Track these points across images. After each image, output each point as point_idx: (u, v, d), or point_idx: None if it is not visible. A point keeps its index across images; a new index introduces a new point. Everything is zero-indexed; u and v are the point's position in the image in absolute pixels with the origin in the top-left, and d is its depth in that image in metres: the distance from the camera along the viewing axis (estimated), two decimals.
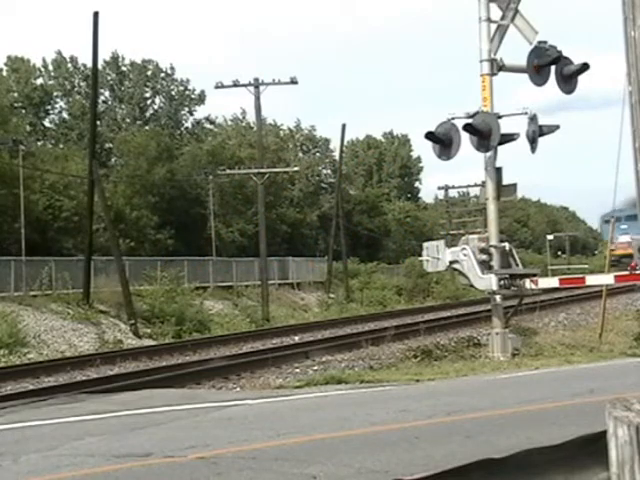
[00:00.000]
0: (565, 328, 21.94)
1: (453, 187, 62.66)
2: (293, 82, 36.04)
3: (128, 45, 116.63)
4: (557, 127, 16.67)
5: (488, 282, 15.89)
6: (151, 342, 26.18)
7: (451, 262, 16.62)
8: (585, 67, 16.05)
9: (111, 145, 53.76)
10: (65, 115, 58.52)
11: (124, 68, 60.49)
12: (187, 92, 61.21)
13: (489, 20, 16.26)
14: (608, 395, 4.48)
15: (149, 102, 60.99)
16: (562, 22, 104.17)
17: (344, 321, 31.65)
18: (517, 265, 16.75)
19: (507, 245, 17.00)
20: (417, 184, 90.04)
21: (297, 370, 16.79)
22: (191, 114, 62.09)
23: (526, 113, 16.15)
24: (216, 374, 16.03)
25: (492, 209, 16.50)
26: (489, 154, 16.34)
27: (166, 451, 6.64)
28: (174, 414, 9.22)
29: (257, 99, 36.65)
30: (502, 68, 16.33)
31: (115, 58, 59.70)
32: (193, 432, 7.77)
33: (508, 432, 6.77)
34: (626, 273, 22.41)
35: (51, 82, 58.99)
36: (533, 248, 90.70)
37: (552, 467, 3.84)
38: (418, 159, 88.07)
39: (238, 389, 14.31)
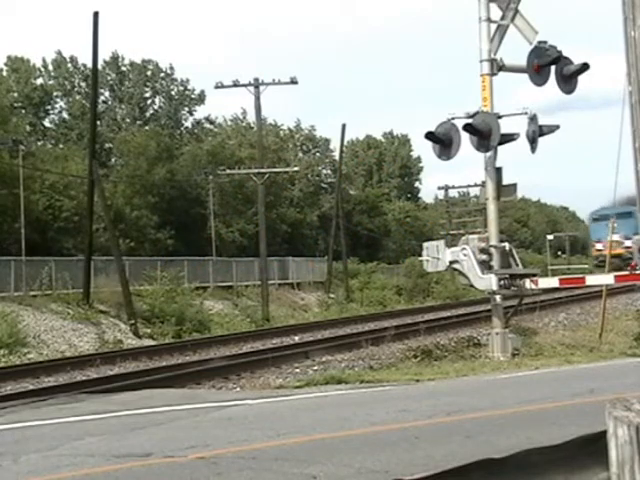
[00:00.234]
0: (565, 328, 21.91)
1: (453, 187, 62.74)
2: (293, 82, 36.06)
3: (128, 45, 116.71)
4: (557, 127, 16.67)
5: (488, 282, 15.88)
6: (151, 342, 26.18)
7: (451, 262, 16.61)
8: (585, 67, 16.04)
9: (111, 145, 53.76)
10: (65, 115, 58.57)
11: (124, 68, 60.50)
12: (187, 92, 61.20)
13: (489, 20, 16.25)
14: (608, 395, 4.48)
15: (149, 102, 61.01)
16: (562, 22, 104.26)
17: (344, 321, 31.64)
18: (517, 265, 16.74)
19: (507, 245, 16.98)
20: (417, 184, 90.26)
21: (297, 370, 16.77)
22: (191, 114, 62.17)
23: (526, 113, 16.14)
24: (216, 374, 16.02)
25: (492, 209, 16.50)
26: (489, 154, 16.33)
27: (166, 451, 6.64)
28: (174, 414, 9.22)
29: (257, 99, 36.68)
30: (502, 68, 16.32)
31: (115, 58, 59.72)
32: (193, 432, 7.76)
33: (508, 432, 6.76)
34: (626, 273, 22.42)
35: (51, 82, 58.99)
36: (533, 248, 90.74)
37: (552, 467, 3.84)
38: (418, 159, 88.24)
39: (238, 389, 14.30)
